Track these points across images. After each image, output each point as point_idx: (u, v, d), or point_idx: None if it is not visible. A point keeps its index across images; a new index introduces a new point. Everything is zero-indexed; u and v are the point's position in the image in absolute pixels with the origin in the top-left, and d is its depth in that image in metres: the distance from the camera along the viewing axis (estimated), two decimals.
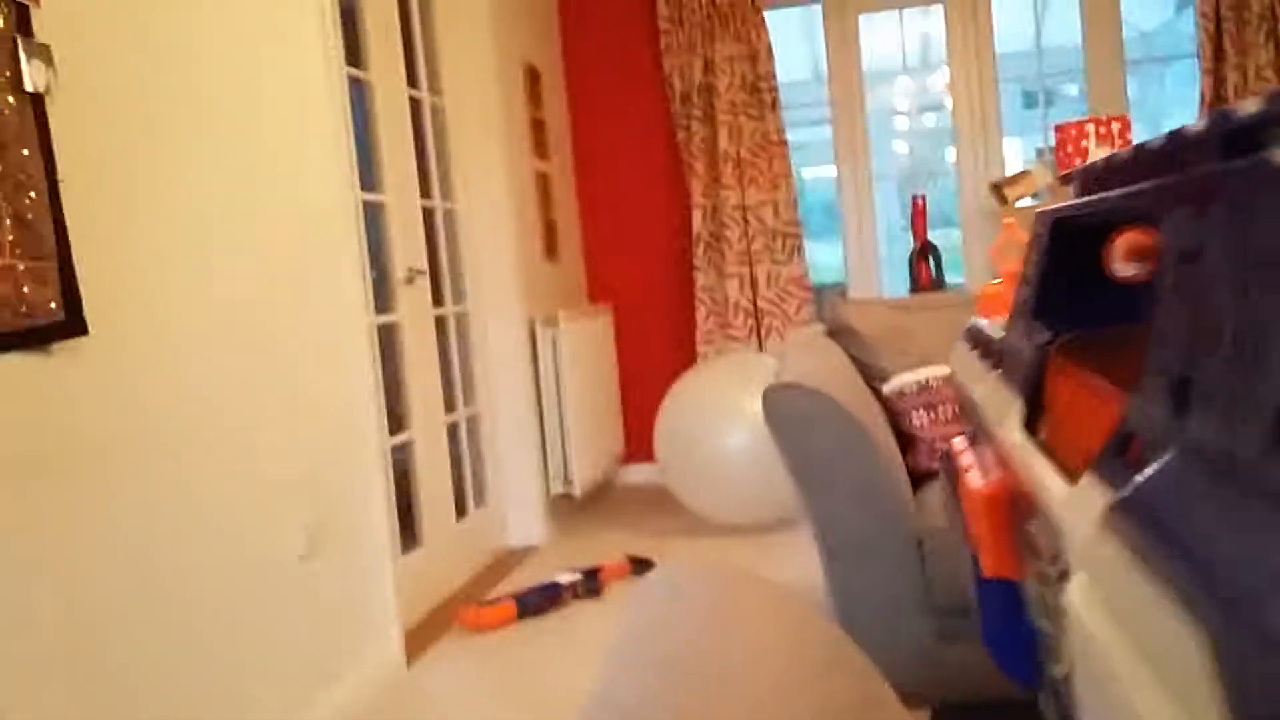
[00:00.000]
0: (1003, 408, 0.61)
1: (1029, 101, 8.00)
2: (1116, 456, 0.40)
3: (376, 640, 2.79)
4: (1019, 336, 0.62)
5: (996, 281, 1.02)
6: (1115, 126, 3.71)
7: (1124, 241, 0.55)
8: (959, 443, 0.76)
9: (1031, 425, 0.57)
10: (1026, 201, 3.77)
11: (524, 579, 3.56)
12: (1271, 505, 0.31)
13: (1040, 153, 4.15)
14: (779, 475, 3.72)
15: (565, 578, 3.27)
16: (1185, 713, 0.30)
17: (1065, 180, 0.62)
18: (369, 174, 3.29)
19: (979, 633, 0.74)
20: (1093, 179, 0.56)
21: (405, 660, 2.90)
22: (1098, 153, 3.72)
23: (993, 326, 0.80)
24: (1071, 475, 0.46)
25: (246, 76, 2.42)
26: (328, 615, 2.56)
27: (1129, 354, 0.52)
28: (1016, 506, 0.58)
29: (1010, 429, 0.57)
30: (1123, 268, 0.55)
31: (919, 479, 2.62)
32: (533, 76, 4.41)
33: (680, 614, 0.99)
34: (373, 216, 3.29)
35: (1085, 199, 0.55)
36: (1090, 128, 3.69)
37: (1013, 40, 5.19)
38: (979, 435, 0.76)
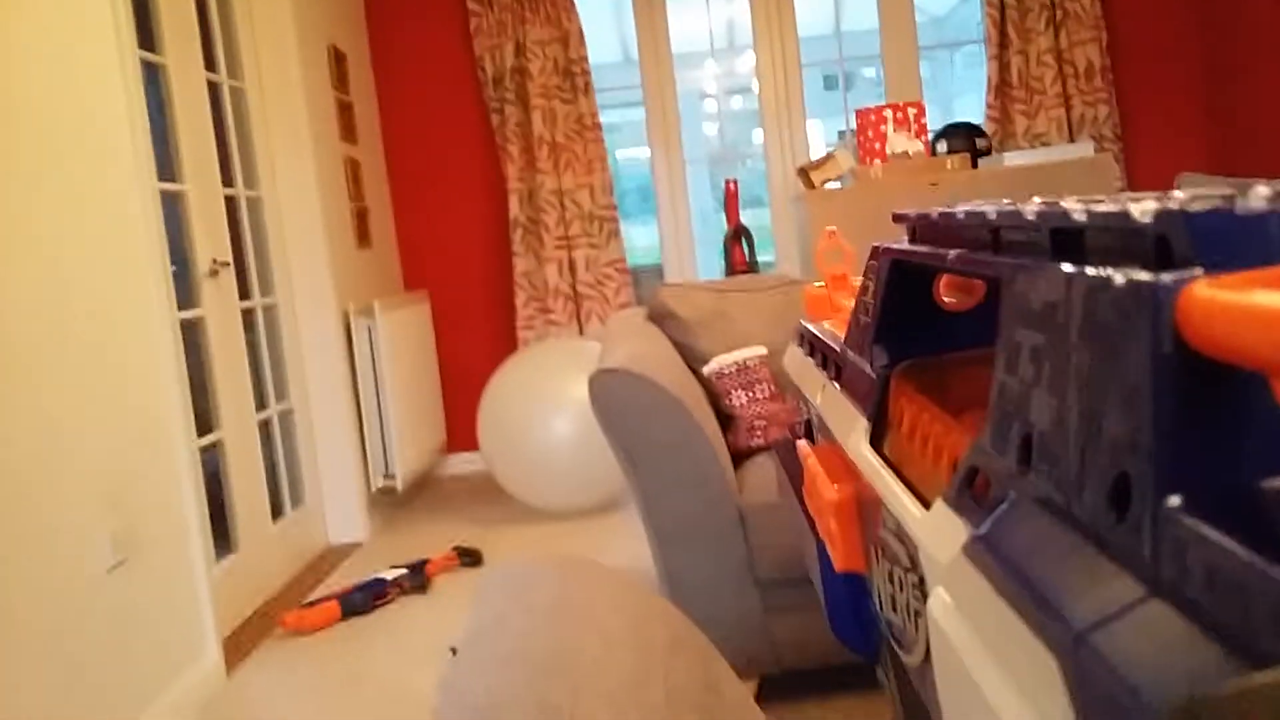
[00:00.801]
0: (847, 422, 0.66)
1: (829, 84, 8.31)
2: (965, 489, 0.44)
3: (194, 651, 2.67)
4: (860, 357, 0.67)
5: (819, 285, 1.06)
6: (912, 112, 3.88)
7: (950, 280, 0.60)
8: (804, 445, 0.80)
9: (876, 443, 0.62)
10: (833, 184, 3.91)
11: (349, 576, 3.47)
12: (1105, 555, 0.37)
13: (842, 135, 4.30)
14: (603, 460, 3.76)
15: (390, 573, 3.21)
16: (1038, 713, 0.34)
17: (898, 220, 0.67)
18: (167, 163, 3.12)
19: (825, 613, 0.78)
20: (925, 227, 0.61)
21: (225, 669, 2.79)
22: (895, 138, 3.89)
23: (828, 334, 0.84)
24: (921, 497, 0.50)
25: (35, 61, 2.25)
26: (141, 628, 2.43)
27: (960, 381, 0.57)
28: (864, 510, 0.62)
29: (858, 444, 0.61)
30: (950, 300, 0.61)
31: (738, 456, 2.69)
32: (338, 58, 4.27)
33: (524, 608, 0.99)
34: (172, 207, 3.12)
35: (925, 249, 0.59)
36: (889, 113, 3.85)
37: (813, 25, 5.36)
38: (818, 435, 0.80)
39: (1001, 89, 4.48)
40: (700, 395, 2.67)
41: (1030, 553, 0.37)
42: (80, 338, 2.34)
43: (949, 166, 3.67)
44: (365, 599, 3.10)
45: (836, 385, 0.74)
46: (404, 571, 3.23)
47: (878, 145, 3.85)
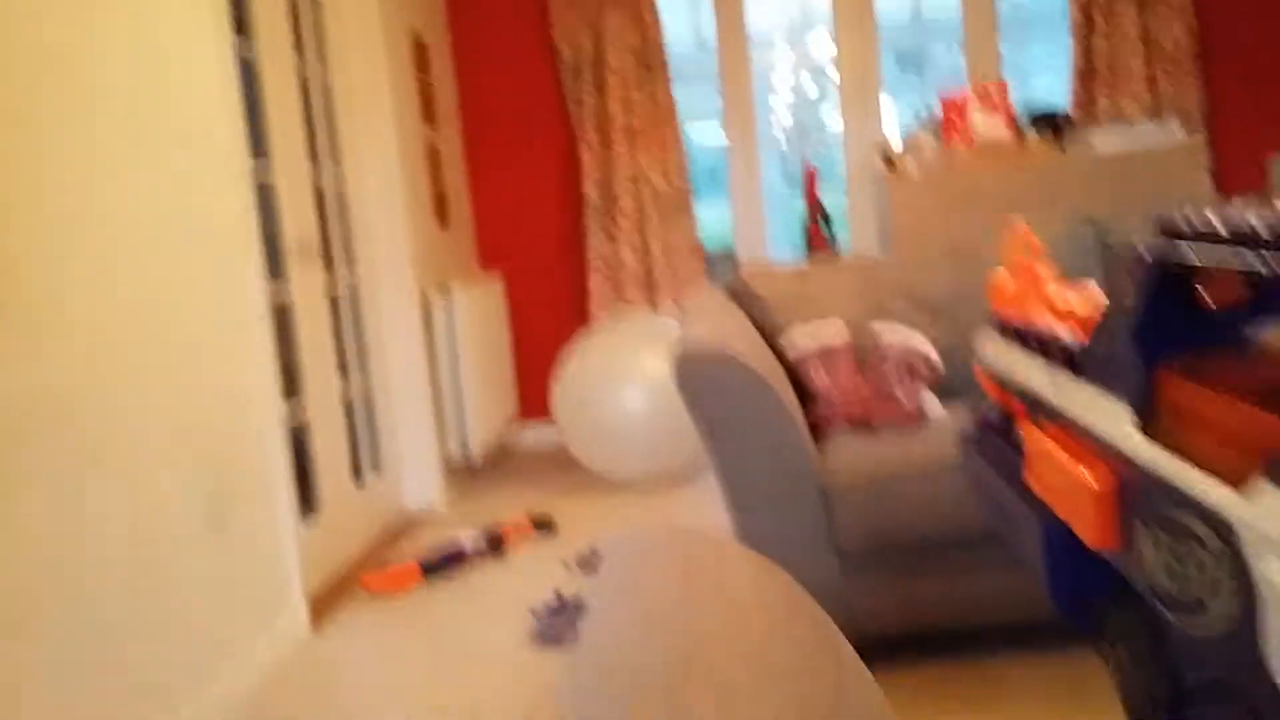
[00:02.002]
0: (1102, 411, 0.71)
1: (903, 64, 8.22)
2: None
3: (282, 608, 2.75)
4: (1117, 351, 0.71)
5: (1002, 272, 1.08)
6: (995, 93, 3.84)
7: (1212, 280, 0.64)
8: (1032, 430, 0.85)
9: (1145, 430, 0.67)
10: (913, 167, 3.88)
11: (425, 542, 3.55)
12: None
13: (921, 118, 4.26)
14: (675, 432, 3.79)
15: (468, 539, 3.27)
16: None
17: (1154, 223, 0.71)
18: (258, 146, 3.20)
19: (1048, 589, 0.84)
20: (1188, 232, 0.65)
21: (311, 627, 2.87)
22: (979, 119, 3.86)
23: (1046, 328, 0.89)
24: (1223, 478, 0.54)
25: (137, 52, 2.33)
26: (232, 585, 2.51)
27: (1242, 373, 0.60)
28: (1125, 492, 0.67)
29: (1124, 431, 0.66)
30: (1214, 299, 0.65)
31: (818, 432, 2.71)
32: (420, 48, 4.33)
33: (652, 576, 1.02)
34: (263, 189, 3.20)
35: (1198, 249, 0.64)
36: (973, 95, 3.82)
37: (889, 6, 5.31)
38: (1038, 422, 0.86)
39: (1087, 74, 4.41)
40: (781, 372, 2.69)
41: None
42: (180, 309, 2.42)
43: (1038, 153, 3.63)
44: (443, 562, 3.16)
45: (1078, 377, 0.79)
46: (481, 537, 3.29)
47: (962, 128, 3.82)
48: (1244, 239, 0.58)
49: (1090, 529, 0.70)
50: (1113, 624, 0.80)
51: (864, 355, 2.77)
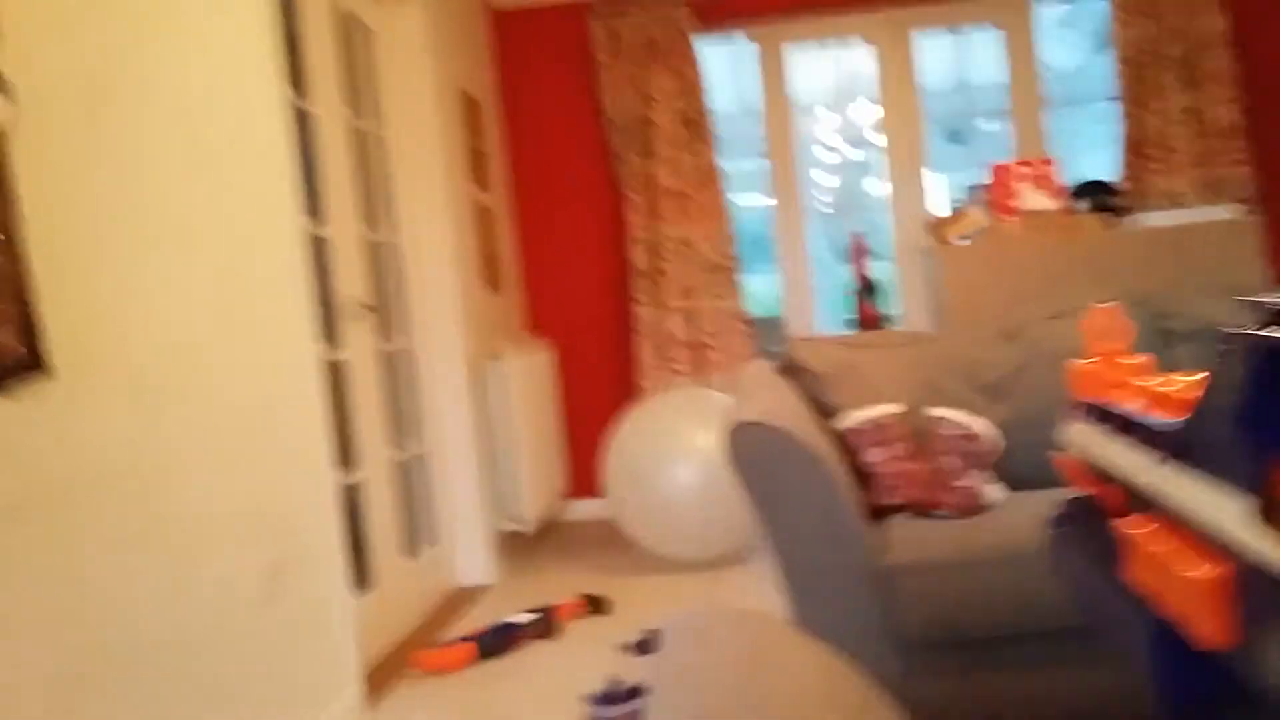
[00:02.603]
0: (1213, 501, 0.71)
1: (952, 138, 8.27)
2: None
3: (336, 686, 2.75)
4: (1233, 437, 0.72)
5: (1090, 361, 1.08)
6: (1044, 168, 3.85)
7: None
8: (1131, 521, 0.84)
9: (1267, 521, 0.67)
10: (963, 240, 3.89)
11: (478, 618, 3.54)
12: None
13: (971, 192, 4.28)
14: (728, 511, 3.77)
15: (521, 617, 3.26)
16: None
17: (1248, 303, 0.72)
18: (312, 205, 3.26)
19: (1159, 699, 0.82)
20: None
21: (366, 705, 2.86)
22: (1028, 194, 3.86)
23: (1141, 412, 0.89)
24: None
25: (195, 104, 2.38)
26: (287, 661, 2.52)
27: None
28: (1243, 587, 0.67)
29: (1239, 524, 0.66)
30: None
31: (873, 513, 2.68)
32: (471, 106, 4.41)
33: (713, 662, 1.01)
34: (317, 248, 3.25)
35: None
36: (1023, 169, 3.83)
37: (935, 77, 5.35)
38: (1145, 513, 0.85)
39: (1137, 147, 4.40)
40: (834, 451, 2.68)
41: None
42: (238, 373, 2.45)
43: (1087, 225, 3.62)
44: (497, 642, 3.15)
45: (1183, 464, 0.79)
46: (534, 616, 3.28)
47: (1011, 201, 3.83)
48: None
49: (1205, 627, 0.69)
50: None
51: (920, 438, 2.76)
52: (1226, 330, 0.73)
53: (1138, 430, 0.87)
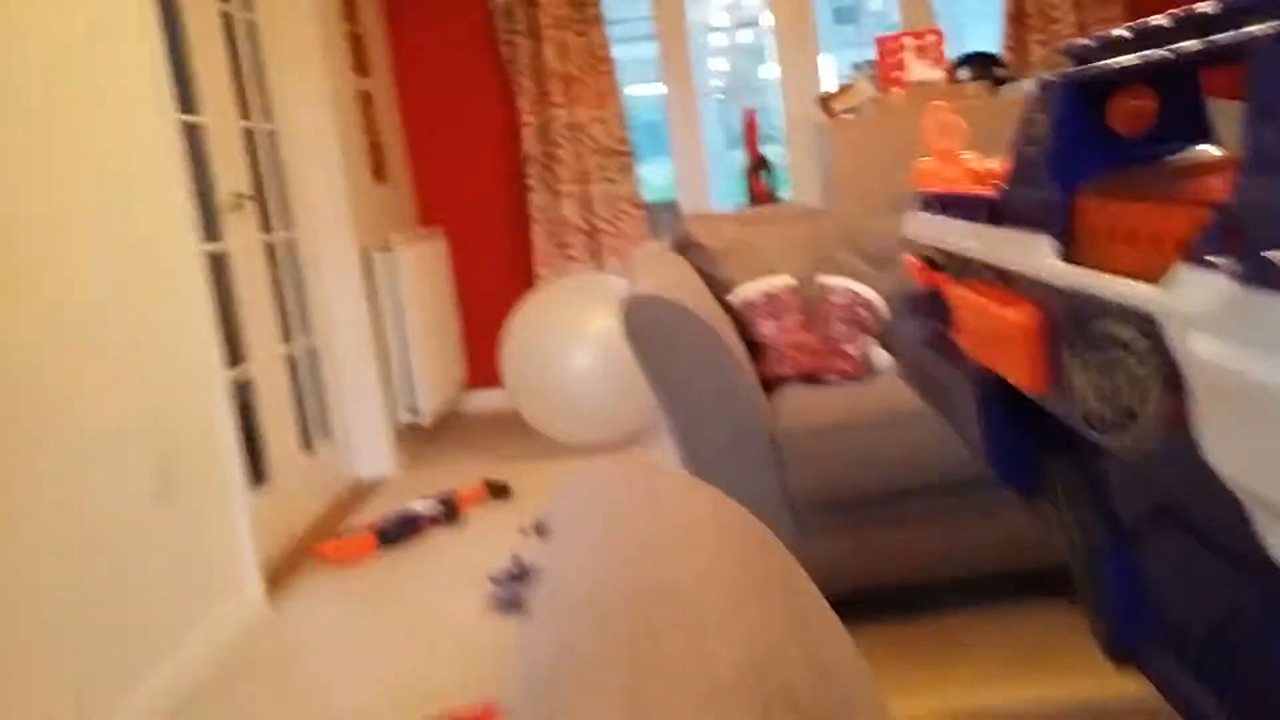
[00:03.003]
0: (1023, 248, 0.70)
1: (839, 17, 8.22)
2: (1215, 245, 0.47)
3: (235, 580, 2.72)
4: (1032, 188, 0.71)
5: (928, 160, 1.08)
6: (931, 39, 3.85)
7: (1122, 104, 0.63)
8: (956, 288, 0.84)
9: (1064, 256, 0.66)
10: (851, 114, 3.89)
11: (378, 510, 3.52)
12: None
13: (859, 66, 4.27)
14: (627, 394, 3.79)
15: (423, 506, 3.25)
16: None
17: (1064, 52, 0.70)
18: (184, 94, 3.10)
19: (984, 456, 0.83)
20: (1095, 50, 0.64)
21: (267, 599, 2.84)
22: (915, 66, 3.87)
23: (966, 191, 0.88)
24: (1145, 281, 0.54)
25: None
26: (183, 556, 2.48)
27: (1156, 183, 0.60)
28: (1050, 326, 0.67)
29: (1046, 262, 0.66)
30: (1124, 123, 0.64)
31: (767, 384, 2.72)
32: None
33: (608, 504, 1.02)
34: (192, 139, 3.11)
35: (1109, 59, 0.63)
36: (909, 41, 3.82)
37: None
38: (966, 280, 0.84)
39: (1018, 18, 4.43)
40: (728, 324, 2.69)
41: None
42: (112, 269, 2.35)
43: (970, 94, 3.65)
44: (399, 530, 3.14)
45: (996, 226, 0.78)
46: (435, 504, 3.27)
47: (897, 73, 3.83)
48: (1149, 35, 0.58)
49: (1019, 369, 0.70)
50: (1049, 476, 0.80)
51: (812, 308, 2.79)
52: (1039, 78, 0.73)
53: (960, 206, 0.87)
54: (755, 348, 2.82)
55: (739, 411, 2.35)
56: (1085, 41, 0.67)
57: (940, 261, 0.92)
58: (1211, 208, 0.50)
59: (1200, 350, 0.47)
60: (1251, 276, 0.45)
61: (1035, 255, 0.68)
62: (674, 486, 1.09)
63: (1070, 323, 0.63)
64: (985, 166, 0.91)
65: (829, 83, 4.65)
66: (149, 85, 2.60)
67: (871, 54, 4.02)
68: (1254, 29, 0.49)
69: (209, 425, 2.69)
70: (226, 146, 3.30)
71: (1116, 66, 0.62)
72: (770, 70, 4.79)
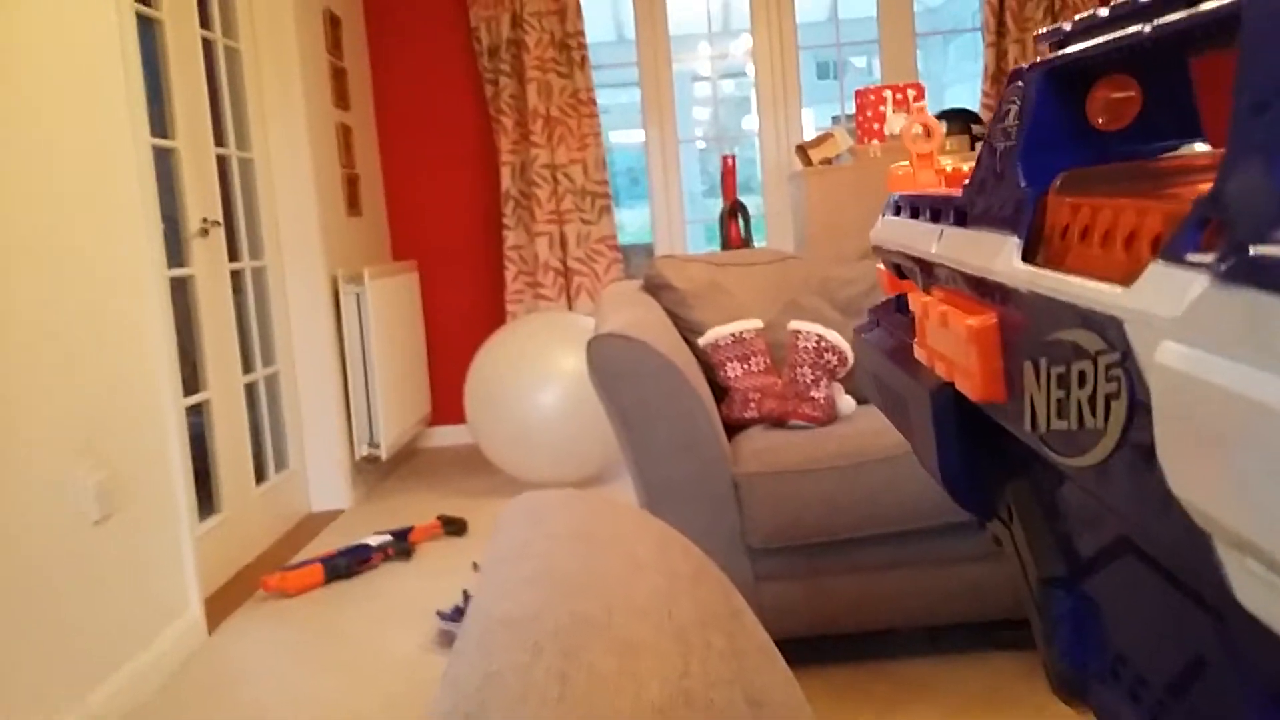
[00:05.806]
0: (988, 250, 0.65)
1: (822, 72, 8.29)
2: (1192, 241, 0.43)
3: (176, 608, 2.63)
4: (1001, 184, 0.66)
5: (903, 165, 1.05)
6: (910, 93, 3.87)
7: (1103, 96, 0.59)
8: (918, 295, 0.79)
9: (1029, 259, 0.61)
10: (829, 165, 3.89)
11: (330, 543, 3.44)
12: None
13: (837, 119, 4.30)
14: (590, 433, 3.73)
15: (375, 539, 3.17)
16: None
17: (1042, 39, 0.66)
18: (159, 119, 3.07)
19: (938, 470, 0.78)
20: (1073, 35, 0.61)
21: (207, 628, 2.75)
22: (894, 118, 3.88)
23: (936, 193, 0.84)
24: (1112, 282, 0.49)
25: (30, 10, 2.20)
26: (124, 583, 2.39)
27: (1126, 178, 0.56)
28: (1007, 334, 0.62)
29: (1009, 262, 0.61)
30: (1103, 116, 0.60)
31: (731, 428, 2.68)
32: (333, 22, 4.22)
33: (548, 534, 0.97)
34: (164, 164, 3.07)
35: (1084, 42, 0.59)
36: (888, 94, 3.84)
37: (808, 11, 5.34)
38: (931, 287, 0.80)
39: (998, 77, 4.47)
40: (695, 365, 2.66)
41: None
42: (69, 289, 2.29)
43: (949, 149, 3.66)
44: (349, 563, 3.06)
45: (962, 227, 0.73)
46: (388, 538, 3.19)
47: (876, 126, 3.84)
48: (1131, 15, 0.54)
49: (974, 379, 0.65)
50: (1004, 498, 0.75)
51: (779, 353, 2.76)
52: (1017, 69, 0.69)
53: (926, 208, 0.83)
54: (722, 391, 2.78)
55: (699, 451, 2.30)
56: (1063, 26, 0.63)
57: (906, 268, 0.88)
58: (1192, 202, 0.46)
59: (1168, 359, 0.43)
60: (1232, 274, 0.42)
61: (998, 257, 0.63)
62: (618, 519, 1.05)
63: (1030, 329, 0.58)
64: (963, 169, 0.87)
65: (809, 134, 4.67)
66: (123, 108, 2.57)
67: (849, 108, 4.03)
68: None
69: (160, 452, 2.62)
70: (199, 173, 3.26)
71: (1092, 52, 0.58)
72: (753, 121, 4.81)
